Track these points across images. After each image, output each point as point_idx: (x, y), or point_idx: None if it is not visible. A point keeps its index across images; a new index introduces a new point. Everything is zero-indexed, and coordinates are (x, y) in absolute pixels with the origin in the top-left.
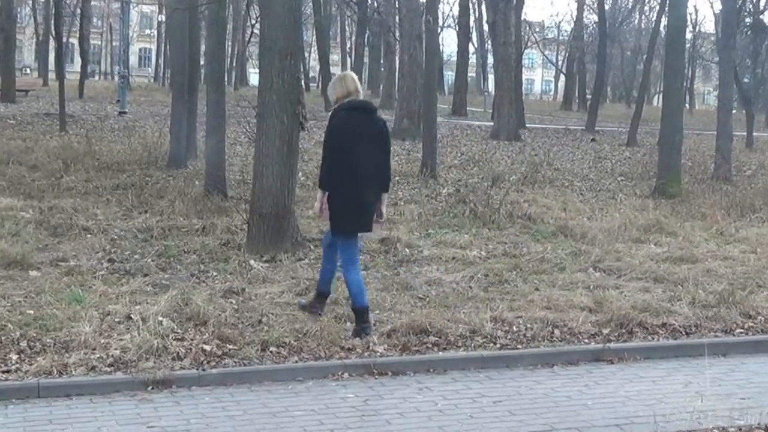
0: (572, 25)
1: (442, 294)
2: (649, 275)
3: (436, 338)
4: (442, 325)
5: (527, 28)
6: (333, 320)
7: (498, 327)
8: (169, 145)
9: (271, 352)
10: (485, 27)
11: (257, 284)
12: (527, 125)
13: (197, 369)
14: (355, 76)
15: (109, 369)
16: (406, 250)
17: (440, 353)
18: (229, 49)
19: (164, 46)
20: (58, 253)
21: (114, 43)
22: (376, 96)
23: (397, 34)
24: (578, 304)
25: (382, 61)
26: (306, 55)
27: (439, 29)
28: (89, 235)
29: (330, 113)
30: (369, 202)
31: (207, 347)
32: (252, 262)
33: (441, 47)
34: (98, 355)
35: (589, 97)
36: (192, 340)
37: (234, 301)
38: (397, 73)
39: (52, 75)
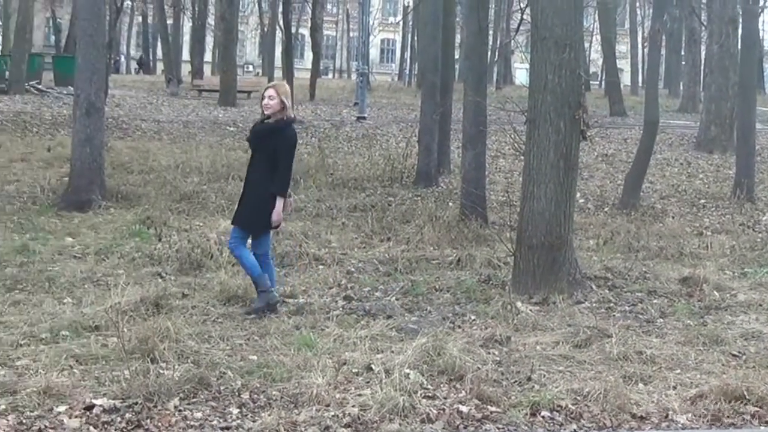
0: None
1: (764, 351)
2: None
3: (757, 408)
4: (764, 391)
5: None
6: (621, 379)
7: None
8: (417, 158)
9: (543, 417)
10: None
11: (525, 332)
12: None
13: None
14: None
15: (345, 430)
16: (715, 293)
17: (762, 427)
18: (491, 39)
19: (412, 37)
20: (285, 288)
21: (351, 35)
22: (675, 96)
23: (704, 17)
24: None
25: (683, 53)
26: (586, 45)
27: (761, 10)
28: (321, 266)
29: (285, 125)
30: None
31: (464, 408)
32: (519, 304)
33: (761, 34)
34: (333, 413)
35: None
36: (445, 398)
37: (497, 352)
38: (702, 68)
39: (278, 73)
